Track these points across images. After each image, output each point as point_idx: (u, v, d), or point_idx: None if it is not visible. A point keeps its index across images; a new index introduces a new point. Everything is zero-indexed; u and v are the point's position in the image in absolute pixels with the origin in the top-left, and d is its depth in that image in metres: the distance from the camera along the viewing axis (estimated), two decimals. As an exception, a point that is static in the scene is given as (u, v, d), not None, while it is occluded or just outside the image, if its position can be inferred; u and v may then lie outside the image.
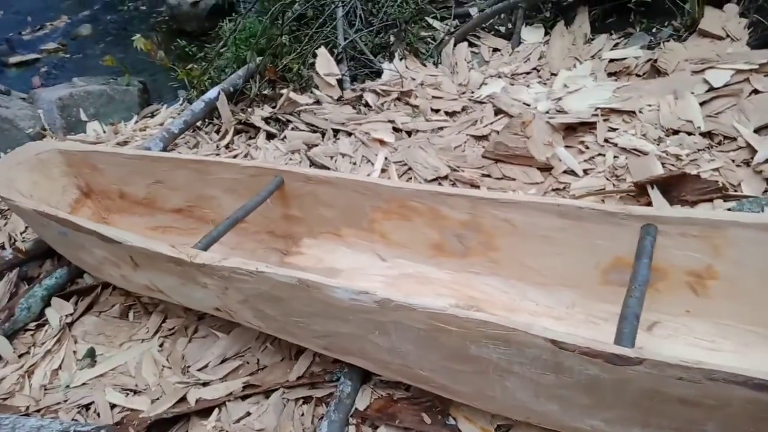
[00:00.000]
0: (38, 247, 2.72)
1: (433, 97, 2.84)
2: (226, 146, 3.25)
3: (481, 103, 2.76)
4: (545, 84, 2.77)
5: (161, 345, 2.23)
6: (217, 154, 3.17)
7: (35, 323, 2.47)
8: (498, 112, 2.66)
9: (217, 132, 3.53)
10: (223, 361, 2.07)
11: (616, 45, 2.86)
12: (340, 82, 3.12)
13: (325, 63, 3.14)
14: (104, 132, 4.41)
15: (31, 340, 2.41)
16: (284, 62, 3.58)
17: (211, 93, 3.54)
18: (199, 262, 1.69)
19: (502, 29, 3.25)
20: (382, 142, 2.72)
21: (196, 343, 2.18)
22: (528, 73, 2.88)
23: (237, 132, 3.38)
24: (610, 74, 2.69)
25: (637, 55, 2.72)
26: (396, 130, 2.78)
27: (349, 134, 2.86)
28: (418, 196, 1.85)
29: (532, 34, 3.10)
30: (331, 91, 3.09)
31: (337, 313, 1.52)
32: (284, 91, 3.19)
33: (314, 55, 3.35)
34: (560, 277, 1.74)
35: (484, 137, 2.58)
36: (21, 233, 3.02)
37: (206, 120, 3.64)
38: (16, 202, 2.21)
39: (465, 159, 2.47)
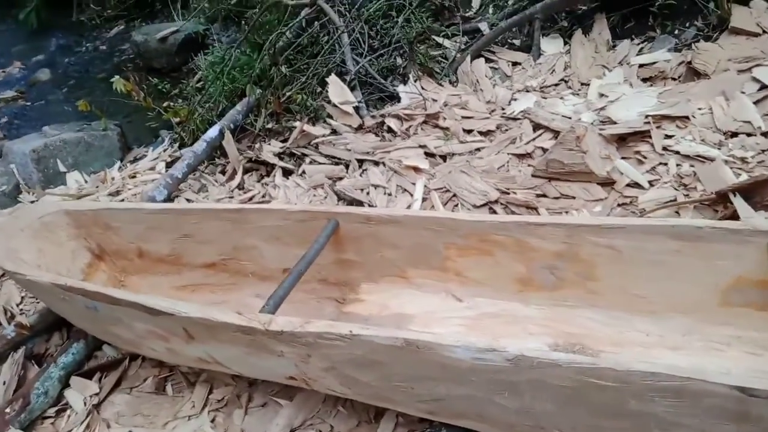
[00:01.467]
0: (43, 320, 2.43)
1: (463, 117, 2.70)
2: (239, 187, 3.02)
3: (515, 119, 2.64)
4: (578, 95, 2.68)
5: (213, 420, 1.97)
6: (231, 197, 2.94)
7: (54, 409, 2.17)
8: (537, 127, 2.54)
9: (223, 173, 3.30)
10: (291, 432, 1.84)
11: (640, 50, 2.80)
12: (356, 109, 2.95)
13: (338, 91, 2.96)
14: (86, 182, 4.12)
15: (53, 429, 2.11)
16: (287, 93, 3.40)
17: (212, 132, 3.32)
18: (276, 329, 1.47)
19: (517, 42, 3.16)
20: (416, 170, 2.56)
21: (255, 415, 1.93)
22: (557, 85, 2.79)
23: (246, 171, 3.16)
24: (644, 80, 2.62)
25: (667, 58, 2.67)
26: (429, 155, 2.63)
27: (377, 164, 2.69)
28: (503, 228, 1.69)
29: (551, 45, 3.02)
30: (348, 120, 2.92)
31: (453, 375, 1.33)
32: (297, 123, 3.00)
33: (322, 84, 3.18)
34: (672, 303, 1.61)
35: (528, 155, 2.45)
36: (17, 305, 2.71)
37: (206, 161, 3.40)
38: (28, 277, 1.93)
39: (514, 180, 2.33)
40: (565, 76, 2.81)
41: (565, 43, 3.00)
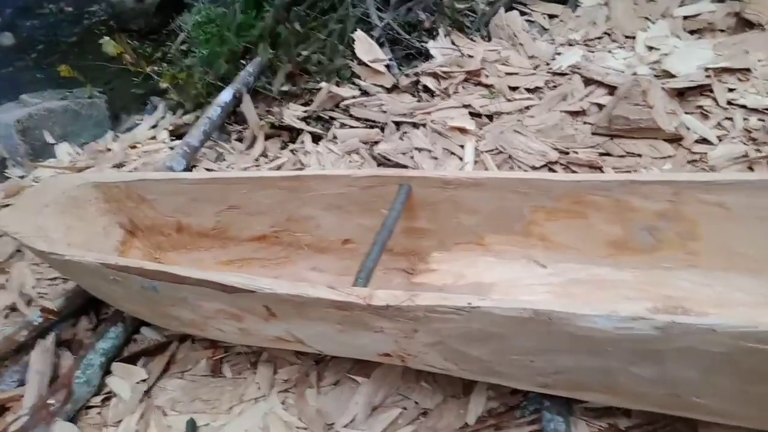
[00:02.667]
0: (70, 304, 2.25)
1: (507, 73, 2.57)
2: (262, 155, 2.83)
3: (562, 75, 2.53)
4: (624, 48, 2.58)
5: (284, 402, 1.85)
6: (257, 166, 2.75)
7: (98, 398, 2.02)
8: (588, 82, 2.44)
9: (239, 140, 3.09)
10: (373, 410, 1.75)
11: (682, 1, 2.71)
12: (387, 68, 2.77)
13: (366, 48, 2.78)
14: (78, 154, 3.83)
15: (101, 420, 1.96)
16: (302, 53, 3.18)
17: (225, 96, 3.09)
18: (380, 304, 1.36)
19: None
20: (462, 131, 2.44)
21: (330, 394, 1.82)
22: (600, 38, 2.68)
23: (266, 137, 2.97)
24: (691, 32, 2.54)
25: (711, 9, 2.59)
26: (473, 115, 2.50)
27: (417, 126, 2.55)
28: (604, 188, 1.59)
29: None
30: (379, 80, 2.75)
31: (585, 346, 1.25)
32: (322, 85, 2.81)
33: (342, 41, 2.98)
34: (777, 260, 1.56)
35: (582, 112, 2.36)
36: (33, 287, 2.50)
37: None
38: (68, 257, 1.75)
39: (573, 139, 2.24)
40: (607, 29, 2.70)
41: (602, -6, 2.88)
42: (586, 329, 1.21)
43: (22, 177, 3.65)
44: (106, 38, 3.80)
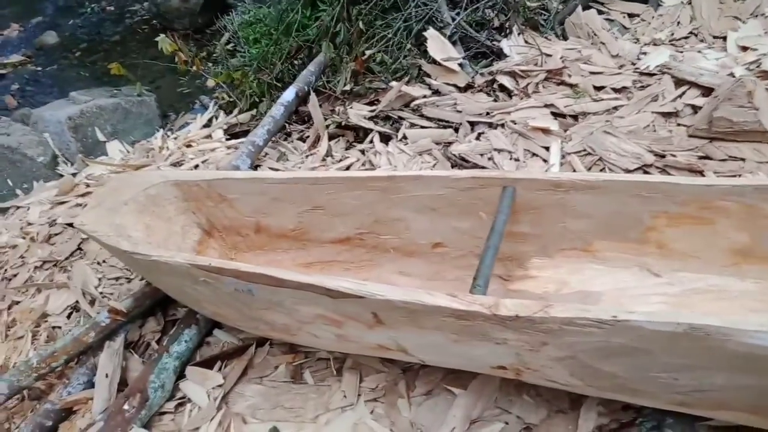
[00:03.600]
0: (138, 304, 2.18)
1: (591, 72, 2.47)
2: (328, 155, 2.75)
3: (650, 75, 2.41)
4: (713, 48, 2.46)
5: (372, 412, 1.76)
6: (324, 166, 2.67)
7: (172, 403, 1.94)
8: (679, 83, 2.32)
9: (301, 139, 3.02)
10: (472, 424, 1.65)
11: (773, 0, 2.59)
12: (460, 67, 2.68)
13: (439, 46, 2.69)
14: (128, 152, 3.80)
15: (175, 427, 1.88)
16: (365, 52, 3.10)
17: (288, 95, 3.03)
18: (507, 314, 1.26)
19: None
20: (545, 131, 2.33)
21: (425, 405, 1.72)
22: (686, 38, 2.56)
23: (330, 137, 2.89)
24: (786, 31, 2.41)
25: (806, 8, 2.46)
26: (556, 115, 2.39)
27: (494, 126, 2.45)
28: (736, 193, 1.48)
29: None
30: (452, 78, 2.65)
31: (744, 363, 1.14)
32: (392, 83, 2.72)
33: (411, 40, 2.89)
34: None
35: (674, 114, 2.24)
36: (96, 287, 2.45)
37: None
38: (154, 257, 1.67)
39: (669, 141, 2.12)
40: (693, 28, 2.58)
41: (685, -7, 2.77)
42: (749, 346, 1.10)
43: (74, 174, 3.63)
44: (162, 36, 3.76)
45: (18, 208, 3.23)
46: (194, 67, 3.84)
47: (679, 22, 2.63)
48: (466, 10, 2.78)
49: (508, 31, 2.81)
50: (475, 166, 2.34)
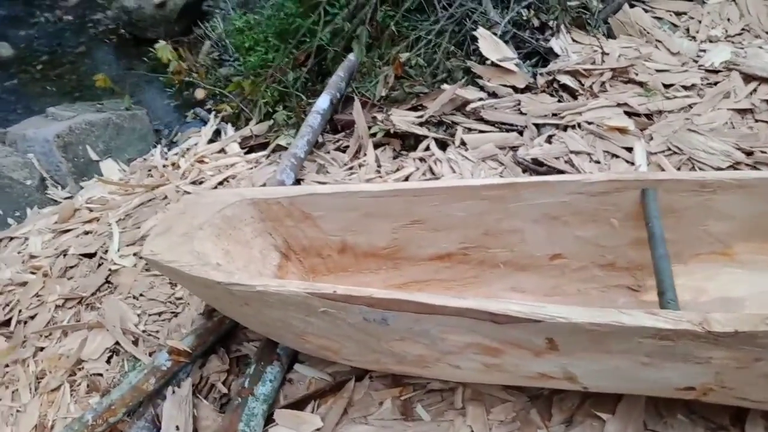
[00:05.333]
0: (202, 342, 1.93)
1: (657, 70, 2.41)
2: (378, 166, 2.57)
3: (715, 72, 2.38)
4: (770, 44, 2.47)
5: (513, 447, 1.59)
6: (380, 176, 2.48)
7: (261, 453, 1.70)
8: (748, 79, 2.30)
9: (340, 150, 2.81)
10: (630, 451, 1.51)
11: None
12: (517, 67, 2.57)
13: (492, 47, 2.56)
14: (125, 172, 3.47)
15: (273, 482, 1.65)
16: (397, 54, 2.94)
17: (322, 102, 2.82)
18: (724, 331, 1.13)
19: (665, -9, 2.91)
20: (622, 131, 2.25)
21: (571, 436, 1.58)
22: (739, 35, 2.56)
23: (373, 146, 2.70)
24: (839, 26, 2.45)
25: None
26: (629, 114, 2.32)
27: (564, 128, 2.35)
28: None
29: None
30: (510, 79, 2.54)
31: None
32: (446, 87, 2.57)
33: (454, 41, 2.75)
34: None
35: (749, 110, 2.21)
36: (137, 325, 2.16)
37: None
38: (259, 288, 1.45)
39: (756, 138, 2.08)
40: (744, 25, 2.59)
41: (726, -10, 2.78)
42: None
43: (68, 198, 3.26)
44: (162, 43, 3.46)
45: (12, 239, 2.85)
46: (195, 76, 3.55)
47: (729, 19, 2.64)
48: (509, 9, 2.67)
49: (552, 30, 2.73)
50: (551, 170, 2.22)
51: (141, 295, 2.28)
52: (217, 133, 3.61)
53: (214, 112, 3.87)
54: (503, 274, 1.80)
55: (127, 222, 2.71)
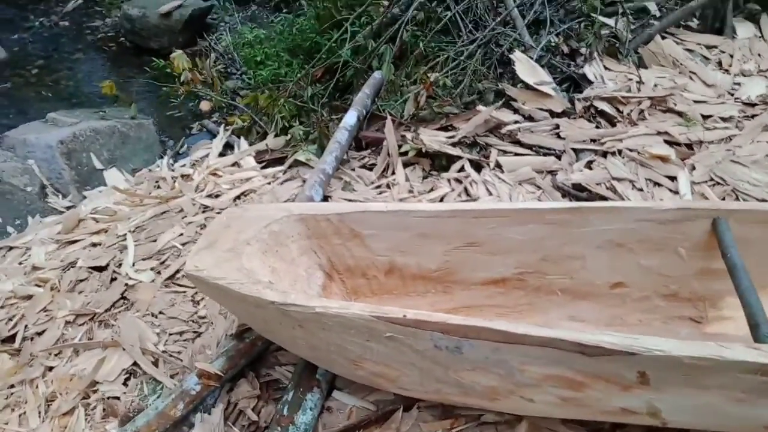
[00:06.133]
0: (233, 364, 1.81)
1: (695, 101, 2.41)
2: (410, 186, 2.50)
3: (751, 105, 2.40)
4: (802, 79, 2.51)
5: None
6: (413, 196, 2.41)
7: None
8: (786, 113, 2.32)
9: (366, 167, 2.74)
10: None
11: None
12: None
13: (529, 70, 2.54)
14: (128, 182, 3.33)
15: None
16: (426, 74, 2.90)
17: (350, 118, 2.75)
18: None
19: (692, 24, 2.94)
20: (663, 160, 2.23)
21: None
22: (771, 69, 2.60)
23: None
24: None
25: None
26: (669, 143, 2.31)
27: (604, 154, 2.32)
28: None
29: (743, 28, 2.83)
30: (547, 103, 2.51)
31: None
32: (481, 108, 2.53)
33: (487, 65, 2.73)
34: None
35: (788, 143, 2.22)
36: (156, 345, 2.02)
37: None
38: (319, 309, 1.35)
39: (800, 171, 2.08)
40: (776, 60, 2.63)
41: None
42: None
43: (68, 208, 3.10)
44: (179, 52, 3.35)
45: (11, 248, 2.68)
46: (201, 88, 3.45)
47: (759, 54, 2.68)
48: (540, 35, 2.67)
49: (585, 57, 2.72)
50: (593, 196, 2.18)
51: (161, 312, 2.15)
52: (227, 147, 3.51)
53: (223, 125, 3.77)
54: (560, 302, 1.74)
55: (140, 235, 2.57)
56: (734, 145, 2.23)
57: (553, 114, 2.50)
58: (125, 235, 2.58)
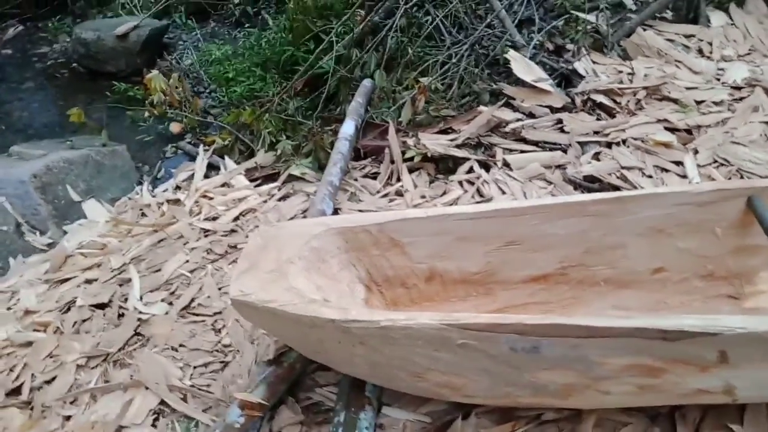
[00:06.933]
0: (274, 390, 1.74)
1: (686, 88, 2.50)
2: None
3: (738, 88, 2.51)
4: (780, 61, 2.65)
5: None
6: (426, 201, 2.39)
7: None
8: (771, 93, 2.44)
9: (368, 176, 2.70)
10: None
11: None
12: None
13: (525, 68, 2.58)
14: (110, 213, 3.16)
15: None
16: (417, 78, 2.90)
17: (348, 128, 2.71)
18: None
19: (667, 15, 3.06)
20: (667, 146, 2.30)
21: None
22: (748, 54, 2.72)
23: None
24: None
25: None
26: (669, 130, 2.38)
27: (609, 144, 2.37)
28: None
29: (716, 17, 2.96)
30: (546, 99, 2.55)
31: None
32: (483, 108, 2.54)
33: (481, 65, 2.75)
34: None
35: (777, 122, 2.34)
36: (181, 379, 1.91)
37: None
38: (384, 323, 1.31)
39: (796, 147, 2.19)
40: (749, 45, 2.76)
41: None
42: None
43: (50, 244, 2.91)
44: (155, 72, 3.22)
45: (-5, 293, 2.49)
46: (190, 110, 3.32)
47: (735, 40, 2.82)
48: (526, 33, 2.72)
49: (572, 52, 2.79)
50: (605, 186, 2.23)
51: (181, 345, 2.03)
52: (209, 167, 3.39)
53: (202, 146, 3.64)
54: (602, 293, 1.75)
55: (140, 266, 2.43)
56: (730, 127, 2.33)
57: (553, 110, 2.54)
58: (122, 268, 2.44)
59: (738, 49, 2.78)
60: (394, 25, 3.05)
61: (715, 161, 2.22)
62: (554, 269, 1.75)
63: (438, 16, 3.04)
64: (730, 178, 2.17)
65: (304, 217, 2.41)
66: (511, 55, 2.62)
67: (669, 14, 3.10)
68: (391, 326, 1.32)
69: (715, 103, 2.45)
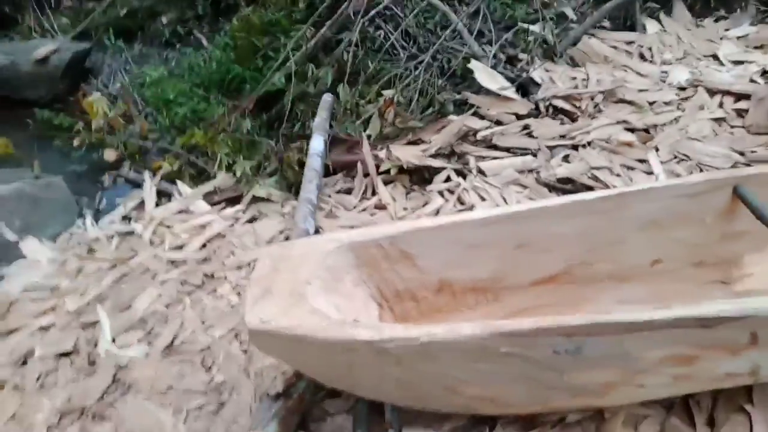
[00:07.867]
0: (287, 425, 1.63)
1: (638, 90, 2.63)
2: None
3: (683, 89, 2.68)
4: (710, 63, 2.86)
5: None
6: (413, 214, 2.34)
7: None
8: (712, 93, 2.62)
9: (342, 192, 2.61)
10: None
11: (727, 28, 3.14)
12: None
13: (489, 78, 2.61)
14: (53, 251, 2.86)
15: None
16: (379, 92, 2.86)
17: (317, 145, 2.62)
18: None
19: (606, 24, 3.22)
20: (629, 145, 2.41)
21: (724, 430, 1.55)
22: (684, 58, 2.92)
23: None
24: (755, 48, 2.93)
25: (755, 30, 3.04)
26: (629, 130, 2.49)
27: (575, 147, 2.45)
28: None
29: (650, 24, 3.16)
30: (512, 107, 2.59)
31: None
32: (453, 117, 2.54)
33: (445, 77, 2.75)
34: None
35: (722, 118, 2.51)
36: (174, 425, 1.73)
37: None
38: (423, 339, 1.25)
39: (742, 140, 2.37)
40: (684, 50, 2.97)
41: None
42: None
43: (-13, 291, 2.57)
44: (97, 95, 2.96)
45: (-71, 354, 2.15)
46: (139, 134, 3.08)
47: (670, 45, 3.02)
48: (497, 43, 2.77)
49: (527, 61, 2.87)
50: (580, 187, 2.28)
51: (169, 388, 1.84)
52: (158, 194, 3.16)
53: (148, 172, 3.39)
54: (606, 289, 1.77)
55: (105, 305, 2.20)
56: (684, 125, 2.48)
57: (518, 116, 2.59)
58: (80, 309, 2.20)
59: (675, 53, 2.99)
60: (349, 40, 2.99)
61: (676, 157, 2.34)
62: (560, 270, 1.75)
63: (391, 32, 3.03)
64: (691, 173, 2.30)
65: (287, 238, 2.29)
66: (474, 65, 2.66)
67: (607, 23, 3.29)
68: (431, 341, 1.25)
69: (666, 103, 2.60)
